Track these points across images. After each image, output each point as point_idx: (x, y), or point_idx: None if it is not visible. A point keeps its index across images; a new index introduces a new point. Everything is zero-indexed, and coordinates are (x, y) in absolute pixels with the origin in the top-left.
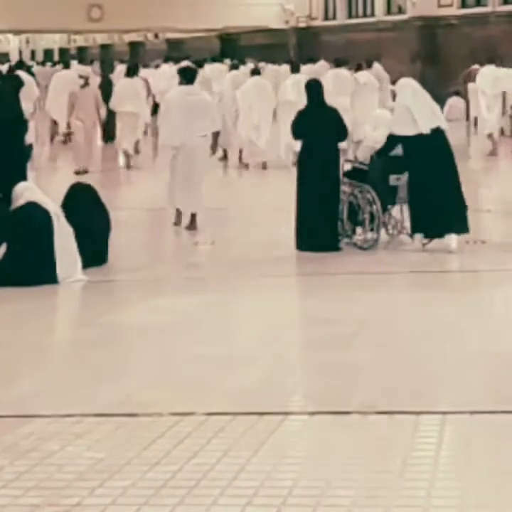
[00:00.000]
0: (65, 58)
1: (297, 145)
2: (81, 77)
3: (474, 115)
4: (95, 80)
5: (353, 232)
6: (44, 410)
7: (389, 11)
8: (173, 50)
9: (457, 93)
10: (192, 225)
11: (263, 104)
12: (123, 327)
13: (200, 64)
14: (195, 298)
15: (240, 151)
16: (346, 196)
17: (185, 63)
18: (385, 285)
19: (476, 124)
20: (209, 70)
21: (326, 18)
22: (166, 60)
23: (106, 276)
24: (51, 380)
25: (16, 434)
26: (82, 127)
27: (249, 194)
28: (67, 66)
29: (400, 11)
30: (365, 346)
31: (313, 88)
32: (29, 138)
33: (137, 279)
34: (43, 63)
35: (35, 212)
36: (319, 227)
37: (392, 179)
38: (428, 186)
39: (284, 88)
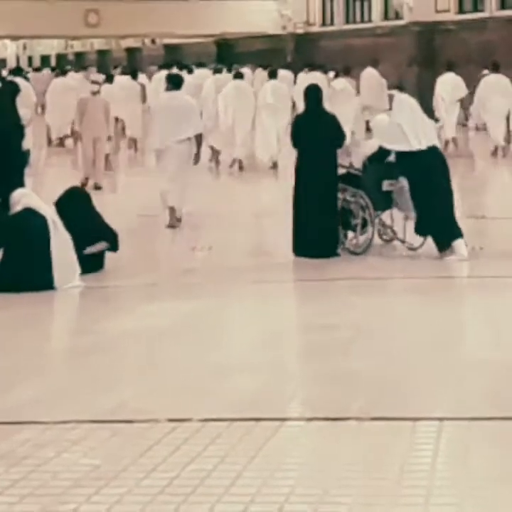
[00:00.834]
0: (62, 64)
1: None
2: (94, 82)
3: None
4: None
5: (345, 236)
6: (40, 417)
7: (386, 17)
8: (171, 56)
9: None
10: (171, 222)
11: (242, 106)
12: (119, 333)
13: (190, 70)
14: (191, 304)
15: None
16: (339, 201)
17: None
18: (382, 291)
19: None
20: (197, 75)
21: (324, 23)
22: (162, 67)
23: (102, 282)
24: (47, 387)
25: (11, 440)
26: (91, 138)
27: (240, 198)
28: (64, 73)
29: (398, 16)
30: (362, 353)
31: (313, 93)
32: (26, 144)
33: (134, 284)
34: (39, 69)
35: (32, 218)
36: (318, 234)
37: (386, 185)
38: (430, 197)
39: (264, 92)
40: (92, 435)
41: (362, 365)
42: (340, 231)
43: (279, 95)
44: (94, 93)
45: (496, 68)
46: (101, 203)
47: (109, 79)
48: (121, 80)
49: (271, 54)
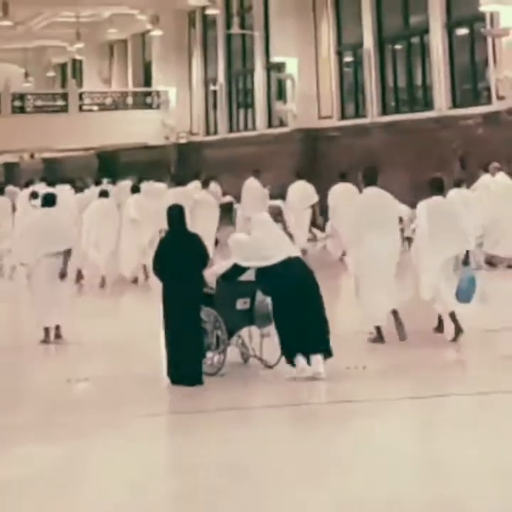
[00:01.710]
0: None
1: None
2: None
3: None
4: None
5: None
6: None
7: (270, 124)
8: (50, 170)
9: None
10: (58, 335)
11: (105, 223)
12: None
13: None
14: (60, 446)
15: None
16: None
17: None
18: (260, 421)
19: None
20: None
21: (208, 132)
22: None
23: None
24: None
25: None
26: None
27: (113, 321)
28: None
29: (282, 123)
30: (237, 497)
31: (175, 214)
32: None
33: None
34: None
35: None
36: (183, 358)
37: (240, 303)
38: (289, 311)
39: (128, 207)
40: None
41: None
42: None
43: (143, 210)
44: None
45: (343, 177)
46: None
47: None
48: None
49: (154, 165)
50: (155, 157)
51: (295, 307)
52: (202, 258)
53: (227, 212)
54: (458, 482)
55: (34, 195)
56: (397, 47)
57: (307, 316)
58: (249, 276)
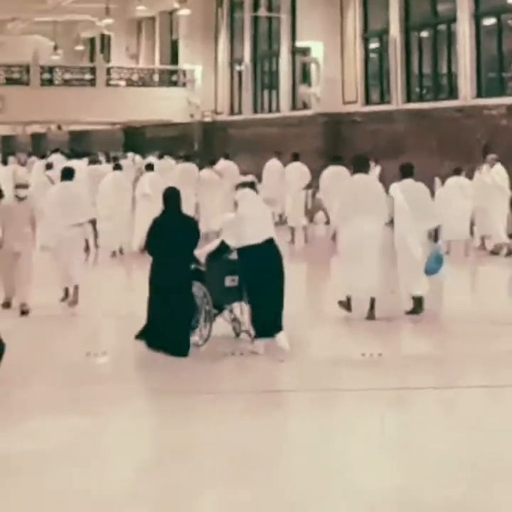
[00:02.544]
0: None
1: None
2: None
3: None
4: None
5: (193, 329)
6: None
7: (294, 107)
8: (75, 142)
9: None
10: (74, 299)
11: (119, 198)
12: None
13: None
14: (78, 421)
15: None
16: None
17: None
18: (275, 406)
19: None
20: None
21: (232, 112)
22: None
23: None
24: None
25: None
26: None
27: (127, 293)
28: None
29: (305, 106)
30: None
31: (171, 197)
32: None
33: (23, 395)
34: None
35: None
36: (171, 330)
37: (228, 280)
38: (260, 291)
39: (142, 184)
40: None
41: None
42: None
43: (156, 185)
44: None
45: (335, 160)
46: None
47: None
48: None
49: (179, 141)
50: (179, 134)
51: (267, 287)
52: (194, 238)
53: None
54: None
55: (49, 166)
56: (424, 35)
57: (276, 298)
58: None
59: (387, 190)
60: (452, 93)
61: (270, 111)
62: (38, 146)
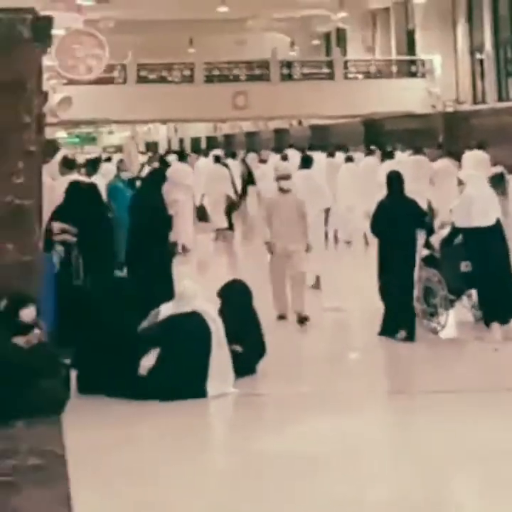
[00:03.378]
0: (211, 146)
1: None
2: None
3: None
4: None
5: (432, 315)
6: None
7: None
8: (317, 137)
9: None
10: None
11: (354, 187)
12: (268, 457)
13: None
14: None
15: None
16: (422, 281)
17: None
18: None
19: None
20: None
21: (475, 101)
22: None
23: (254, 389)
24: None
25: None
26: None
27: None
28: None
29: None
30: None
31: (394, 181)
32: (174, 235)
33: (286, 393)
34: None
35: (198, 324)
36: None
37: (463, 266)
38: (489, 276)
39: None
40: None
41: None
42: (426, 309)
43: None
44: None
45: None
46: None
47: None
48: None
49: (420, 134)
50: (420, 126)
51: (494, 272)
52: (416, 219)
53: (497, 183)
54: None
55: (217, 159)
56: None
57: (503, 284)
58: None
59: None
60: None
61: None
62: (281, 142)
